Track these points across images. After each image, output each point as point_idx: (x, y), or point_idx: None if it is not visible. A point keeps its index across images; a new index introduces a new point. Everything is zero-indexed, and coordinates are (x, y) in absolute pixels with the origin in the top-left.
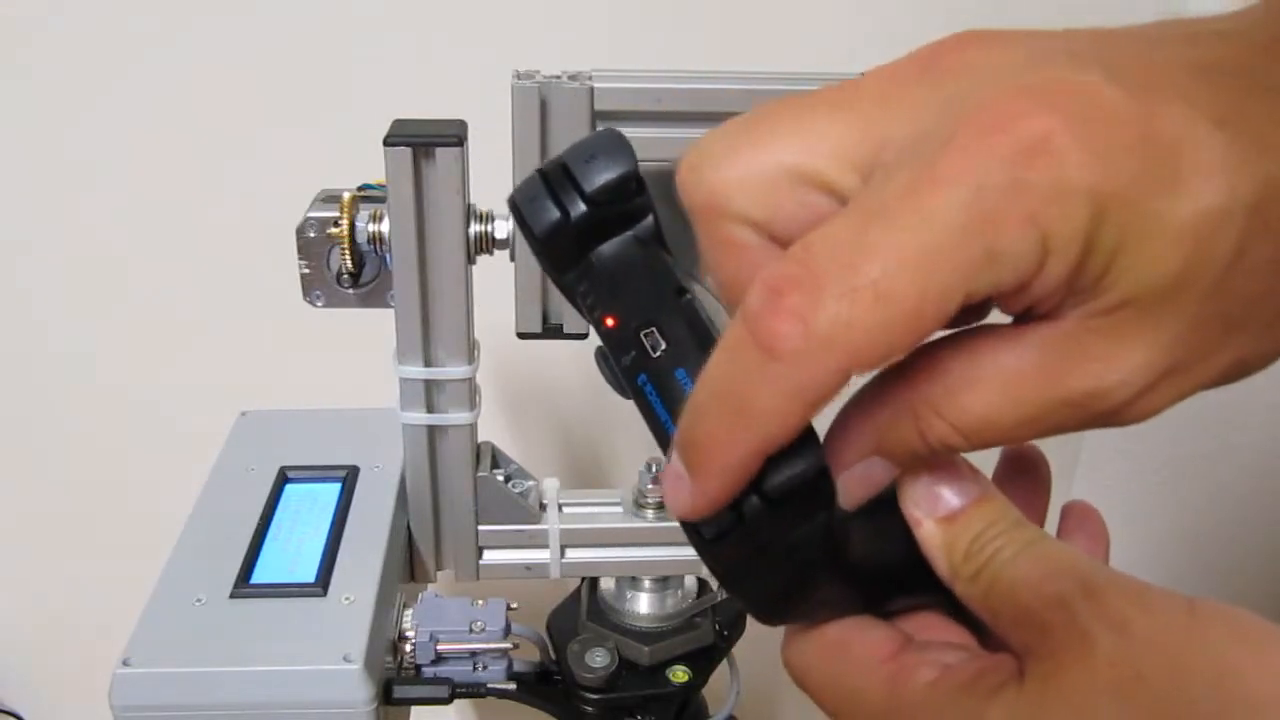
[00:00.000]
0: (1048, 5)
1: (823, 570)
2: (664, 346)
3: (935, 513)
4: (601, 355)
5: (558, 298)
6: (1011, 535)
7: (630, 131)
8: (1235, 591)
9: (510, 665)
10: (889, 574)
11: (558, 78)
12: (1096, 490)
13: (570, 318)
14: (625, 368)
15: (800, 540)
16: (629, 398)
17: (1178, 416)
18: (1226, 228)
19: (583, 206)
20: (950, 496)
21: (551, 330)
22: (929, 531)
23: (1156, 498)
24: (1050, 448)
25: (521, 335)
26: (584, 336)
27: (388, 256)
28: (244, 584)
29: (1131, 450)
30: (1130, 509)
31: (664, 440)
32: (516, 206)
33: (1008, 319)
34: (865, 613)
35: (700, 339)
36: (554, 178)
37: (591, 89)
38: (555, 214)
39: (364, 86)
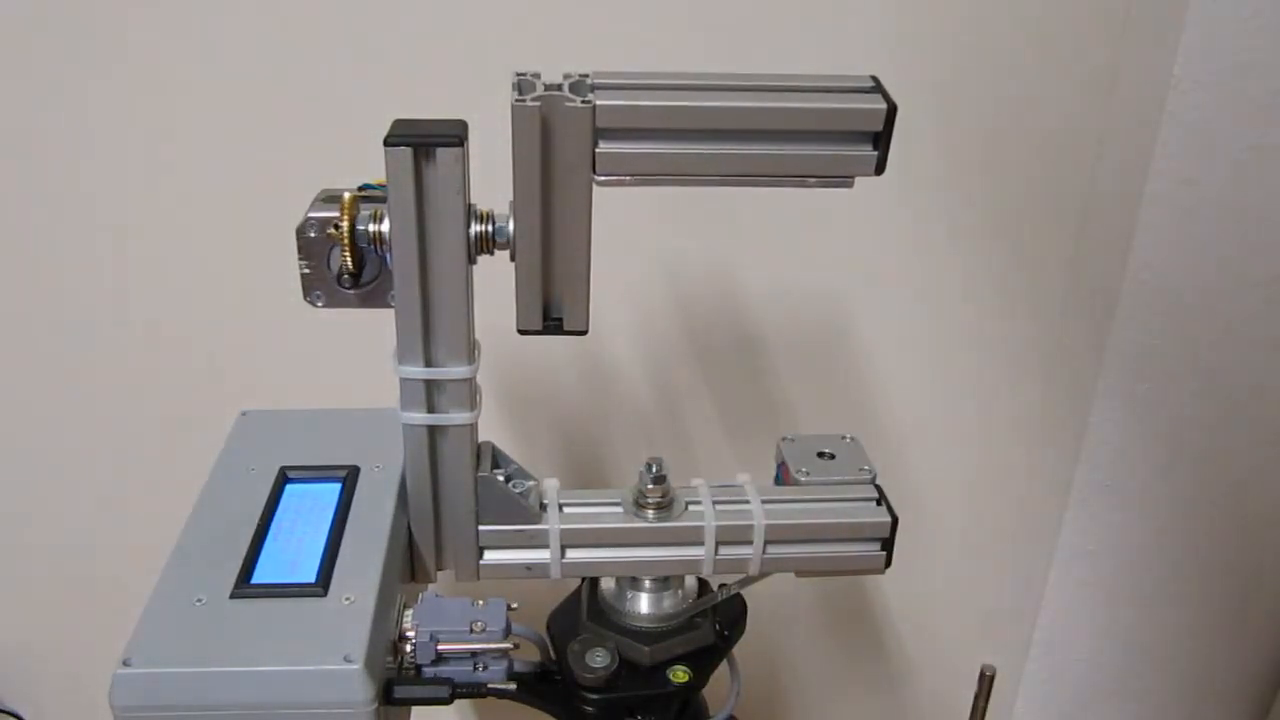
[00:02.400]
0: (1046, 5)
1: None
2: None
3: None
4: None
5: (559, 294)
6: None
7: (633, 146)
8: (1237, 580)
9: (510, 665)
10: None
11: (559, 87)
12: (1095, 487)
13: (571, 314)
14: None
15: None
16: None
17: (1174, 408)
18: None
19: None
20: None
21: (552, 326)
22: None
23: (1155, 490)
24: (1047, 444)
25: (522, 331)
26: (584, 333)
27: (388, 256)
28: (244, 584)
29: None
30: (1128, 498)
31: None
32: None
33: None
34: None
35: None
36: None
37: (594, 107)
38: None
39: (364, 86)
